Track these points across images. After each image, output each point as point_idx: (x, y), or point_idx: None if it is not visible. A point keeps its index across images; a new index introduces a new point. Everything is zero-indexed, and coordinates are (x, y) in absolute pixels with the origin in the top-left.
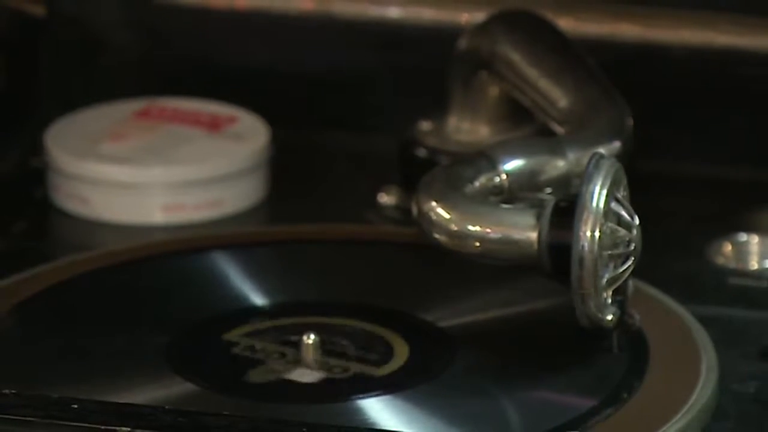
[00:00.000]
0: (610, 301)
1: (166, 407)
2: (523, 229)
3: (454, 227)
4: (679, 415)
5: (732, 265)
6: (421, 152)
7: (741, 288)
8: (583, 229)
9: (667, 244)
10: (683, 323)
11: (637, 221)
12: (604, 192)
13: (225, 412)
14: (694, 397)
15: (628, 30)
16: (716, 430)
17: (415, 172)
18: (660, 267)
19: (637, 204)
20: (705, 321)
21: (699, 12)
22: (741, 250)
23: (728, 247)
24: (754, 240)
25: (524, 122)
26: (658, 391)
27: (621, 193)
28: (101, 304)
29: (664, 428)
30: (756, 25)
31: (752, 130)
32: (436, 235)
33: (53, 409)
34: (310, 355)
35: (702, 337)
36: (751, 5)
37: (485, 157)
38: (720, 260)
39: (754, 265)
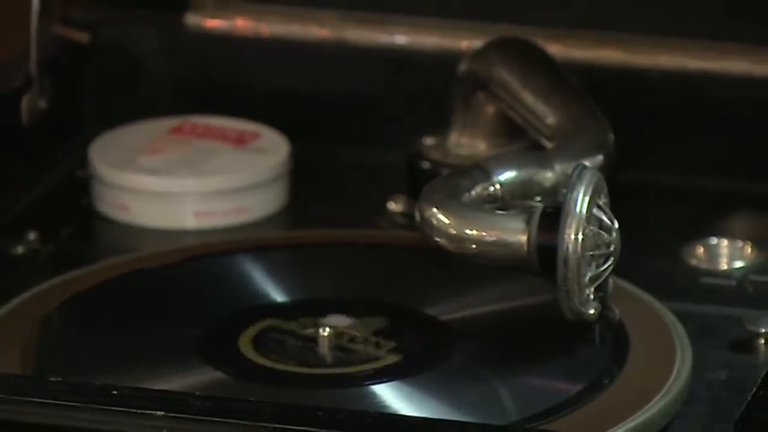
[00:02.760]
0: (592, 297)
1: (197, 393)
2: (515, 232)
3: (453, 231)
4: (655, 400)
5: (704, 265)
6: (426, 165)
7: (712, 286)
8: (568, 232)
9: (646, 247)
10: (660, 317)
11: (616, 225)
12: (587, 199)
13: (249, 398)
14: (669, 383)
15: (610, 55)
16: (690, 413)
17: (421, 183)
18: (640, 267)
19: (618, 211)
20: (680, 315)
21: (673, 39)
22: (712, 253)
23: (700, 250)
24: (724, 243)
25: (518, 138)
26: (637, 378)
27: (602, 200)
28: (139, 301)
29: (643, 411)
30: (724, 50)
31: (721, 145)
32: (437, 239)
33: (95, 395)
34: (325, 346)
35: (677, 330)
36: (719, 33)
37: (481, 169)
38: (693, 261)
39: (723, 266)
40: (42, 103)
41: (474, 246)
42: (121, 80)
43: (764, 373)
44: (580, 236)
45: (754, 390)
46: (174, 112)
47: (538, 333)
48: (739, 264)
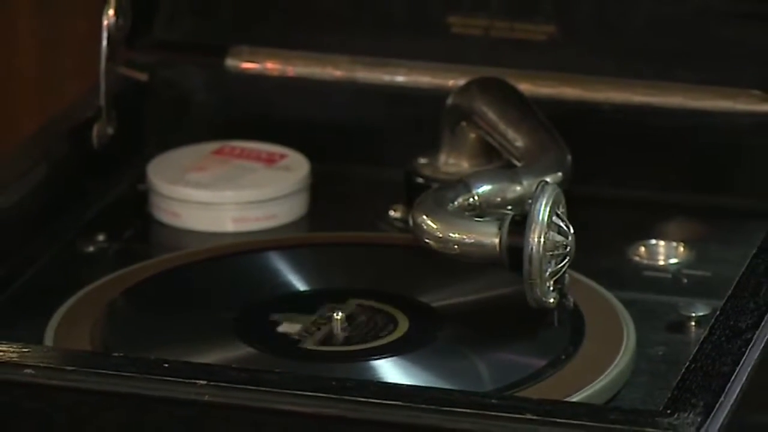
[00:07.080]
0: (552, 288)
1: (233, 366)
2: (489, 236)
3: (439, 234)
4: (606, 373)
5: (645, 262)
6: (419, 180)
7: (652, 278)
8: (532, 236)
9: (597, 246)
10: (609, 304)
11: (572, 231)
12: (547, 209)
13: (276, 370)
14: (618, 358)
15: (569, 91)
16: (635, 382)
17: (416, 195)
18: (592, 263)
19: (574, 218)
20: (625, 303)
21: (621, 79)
22: (651, 251)
23: (642, 249)
24: (661, 243)
25: (494, 158)
26: (591, 355)
27: (560, 210)
28: (187, 290)
29: (596, 381)
30: (662, 88)
31: (659, 164)
32: (427, 240)
33: (150, 367)
34: (338, 328)
35: (623, 314)
36: (658, 75)
37: (463, 183)
38: (636, 258)
39: (661, 262)
40: (109, 130)
41: (456, 247)
42: (174, 111)
43: (695, 349)
44: (542, 239)
45: (687, 363)
46: (216, 137)
47: (510, 318)
48: (674, 260)
